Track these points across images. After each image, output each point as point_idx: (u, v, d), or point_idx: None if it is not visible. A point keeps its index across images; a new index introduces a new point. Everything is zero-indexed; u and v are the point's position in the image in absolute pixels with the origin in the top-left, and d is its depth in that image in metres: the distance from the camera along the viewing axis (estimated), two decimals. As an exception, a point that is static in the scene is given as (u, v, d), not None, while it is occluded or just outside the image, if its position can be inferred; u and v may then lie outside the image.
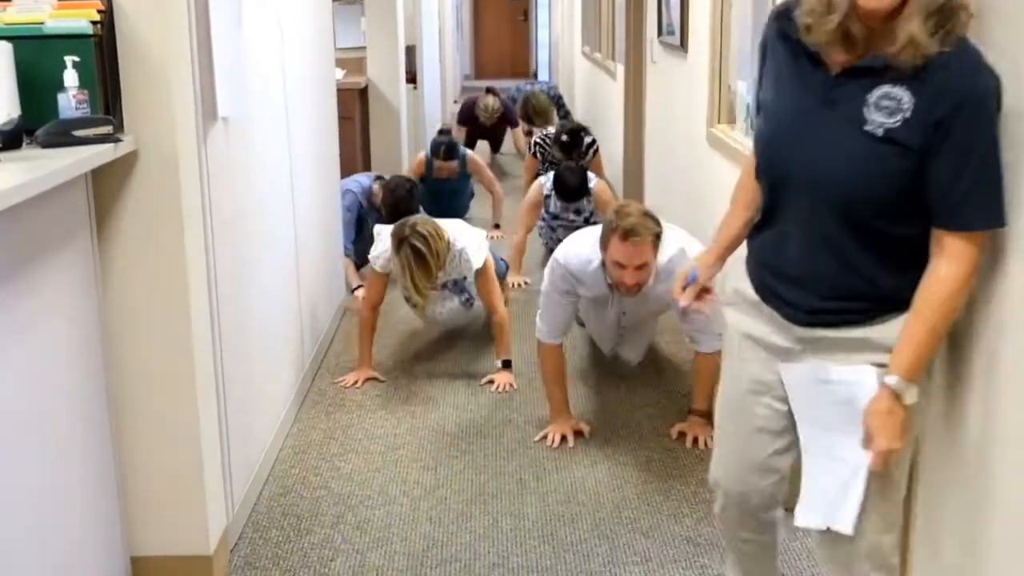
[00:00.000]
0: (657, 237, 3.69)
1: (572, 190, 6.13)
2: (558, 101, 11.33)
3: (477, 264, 4.53)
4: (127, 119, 2.70)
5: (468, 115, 9.93)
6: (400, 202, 6.01)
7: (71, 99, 2.54)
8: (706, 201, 4.69)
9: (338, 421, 4.19)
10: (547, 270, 4.02)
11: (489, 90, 9.92)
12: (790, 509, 2.31)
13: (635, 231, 3.62)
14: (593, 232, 3.92)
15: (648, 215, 3.69)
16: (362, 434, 4.06)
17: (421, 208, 6.15)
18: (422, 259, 4.34)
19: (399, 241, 4.37)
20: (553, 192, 6.19)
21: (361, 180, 6.23)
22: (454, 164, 7.19)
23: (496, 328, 4.62)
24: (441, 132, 7.46)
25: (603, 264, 3.80)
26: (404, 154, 8.53)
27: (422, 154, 7.39)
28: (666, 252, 3.79)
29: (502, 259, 5.82)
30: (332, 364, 4.84)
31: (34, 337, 2.38)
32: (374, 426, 4.14)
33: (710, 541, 3.25)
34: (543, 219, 6.47)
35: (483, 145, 10.34)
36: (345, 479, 3.68)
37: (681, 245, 3.84)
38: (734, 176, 4.06)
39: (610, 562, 3.14)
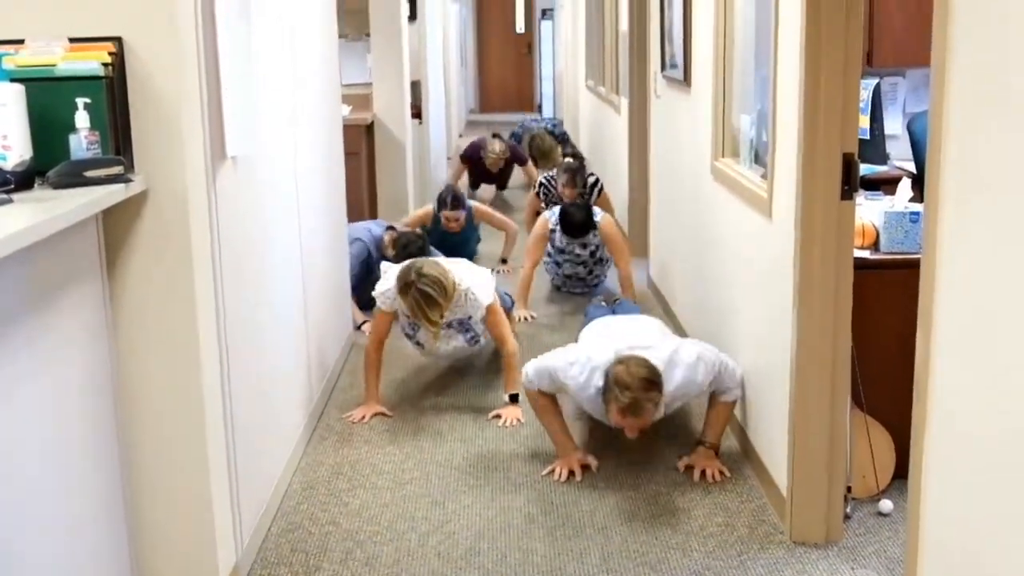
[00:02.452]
0: (657, 404, 3.65)
1: (577, 226, 6.17)
2: (563, 138, 11.37)
3: (485, 301, 4.57)
4: (137, 159, 2.74)
5: (473, 156, 9.90)
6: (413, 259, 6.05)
7: (82, 140, 2.57)
8: (711, 234, 4.72)
9: (346, 456, 4.20)
10: (553, 361, 3.98)
11: (495, 135, 9.89)
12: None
13: (634, 409, 3.60)
14: (591, 357, 3.86)
15: (648, 381, 3.61)
16: (370, 469, 4.07)
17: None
18: (430, 299, 4.37)
19: (405, 285, 4.40)
20: (559, 227, 6.22)
21: (372, 228, 6.24)
22: (461, 214, 7.22)
23: (505, 361, 4.64)
24: (447, 187, 7.51)
25: (602, 395, 3.75)
26: (410, 189, 8.57)
27: (429, 207, 7.44)
28: (673, 380, 3.79)
29: (507, 293, 5.83)
30: (339, 399, 4.85)
31: (46, 375, 2.40)
32: (382, 461, 4.15)
33: (718, 574, 3.25)
34: (548, 255, 6.50)
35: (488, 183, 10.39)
36: (353, 515, 3.69)
37: (687, 375, 3.82)
38: (738, 209, 4.11)
39: (619, 596, 3.14)
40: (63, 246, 2.49)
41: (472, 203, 7.50)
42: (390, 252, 6.11)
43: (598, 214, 6.24)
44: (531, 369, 4.04)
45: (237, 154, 3.24)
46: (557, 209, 6.32)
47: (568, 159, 8.00)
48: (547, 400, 4.06)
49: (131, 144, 2.73)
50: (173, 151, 2.74)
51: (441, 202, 7.19)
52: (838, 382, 3.39)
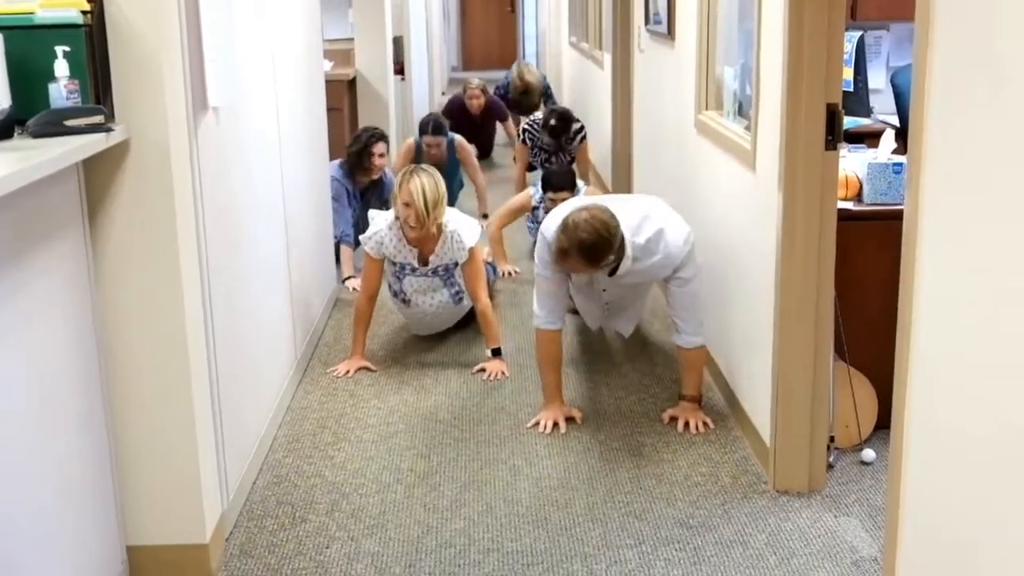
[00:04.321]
0: (593, 262, 3.73)
1: (559, 177, 6.14)
2: (547, 92, 11.28)
3: (470, 243, 4.60)
4: (118, 109, 2.71)
5: (453, 109, 9.85)
6: (364, 146, 6.03)
7: (62, 89, 2.55)
8: (695, 187, 4.72)
9: (331, 410, 4.20)
10: (536, 249, 4.08)
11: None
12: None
13: (562, 259, 3.75)
14: (572, 204, 3.98)
15: (587, 249, 3.67)
16: (355, 422, 4.08)
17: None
18: (433, 181, 4.48)
19: (410, 171, 4.53)
20: (543, 205, 6.10)
21: (339, 164, 6.23)
22: (442, 142, 7.18)
23: (480, 317, 4.65)
24: (429, 114, 7.49)
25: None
26: (393, 145, 8.53)
27: (410, 140, 7.40)
28: (643, 233, 3.84)
29: (489, 264, 5.81)
30: (324, 354, 4.85)
31: (28, 328, 2.39)
32: (367, 415, 4.16)
33: (703, 523, 3.27)
34: (532, 223, 6.43)
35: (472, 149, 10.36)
36: (339, 467, 3.70)
37: (660, 226, 3.87)
38: (722, 162, 4.11)
39: (604, 545, 3.16)
40: (44, 196, 2.47)
41: (456, 136, 7.46)
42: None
43: (582, 188, 6.16)
44: (535, 301, 4.07)
45: (219, 105, 3.21)
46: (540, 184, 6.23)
47: (553, 107, 7.93)
48: (554, 349, 4.06)
49: (111, 93, 2.70)
50: (154, 100, 2.71)
51: (422, 128, 7.21)
52: (821, 333, 3.40)
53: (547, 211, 6.22)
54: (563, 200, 5.66)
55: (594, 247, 3.68)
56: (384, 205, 6.10)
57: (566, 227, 3.71)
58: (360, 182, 6.16)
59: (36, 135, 2.47)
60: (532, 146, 7.74)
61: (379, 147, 6.10)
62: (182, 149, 2.85)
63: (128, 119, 2.71)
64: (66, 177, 2.59)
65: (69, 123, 2.49)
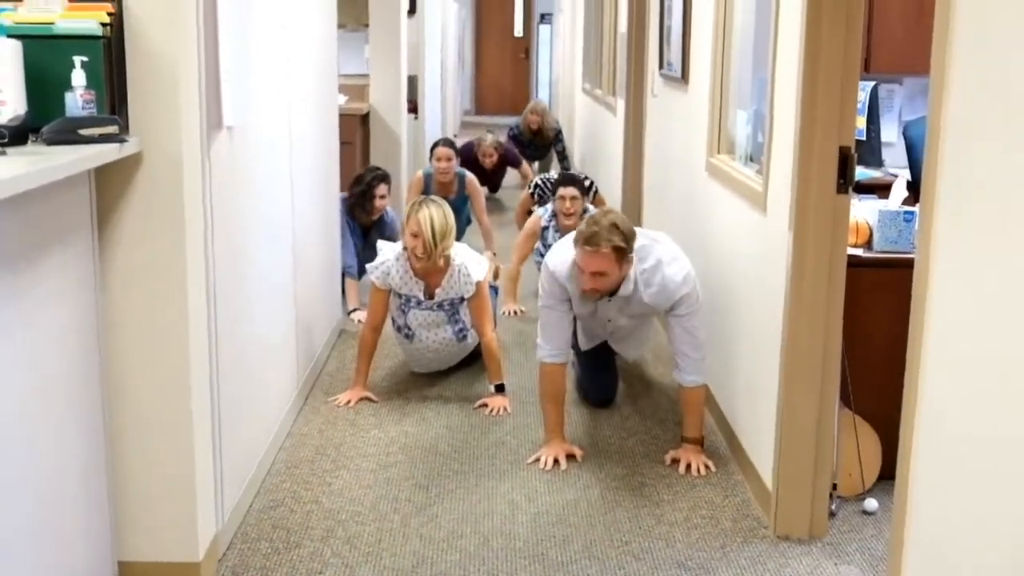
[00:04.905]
0: (619, 251, 3.76)
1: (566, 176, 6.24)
2: (558, 135, 11.33)
3: (478, 277, 4.59)
4: (133, 121, 2.72)
5: (466, 156, 9.87)
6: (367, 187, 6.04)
7: (78, 98, 2.56)
8: (705, 230, 4.71)
9: (331, 438, 4.18)
10: (540, 280, 4.11)
11: (489, 131, 9.90)
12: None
13: (593, 240, 3.73)
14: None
15: (617, 227, 3.76)
16: (354, 451, 4.05)
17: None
18: (442, 212, 4.49)
19: (419, 202, 4.54)
20: (552, 224, 6.19)
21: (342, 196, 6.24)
22: (452, 153, 7.23)
23: (484, 351, 4.64)
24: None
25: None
26: (404, 181, 8.56)
27: (419, 173, 7.43)
28: (645, 262, 3.92)
29: (493, 287, 5.81)
30: (326, 383, 4.83)
31: (30, 335, 2.37)
32: (366, 444, 4.13)
33: (701, 565, 3.23)
34: (540, 253, 6.47)
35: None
36: (336, 495, 3.66)
37: (660, 258, 3.93)
38: (733, 205, 4.11)
39: (600, 583, 3.13)
40: (55, 201, 2.47)
41: (467, 172, 7.49)
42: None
43: (590, 210, 6.21)
44: (541, 337, 4.07)
45: (233, 125, 3.22)
46: (550, 207, 6.29)
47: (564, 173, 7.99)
48: (557, 384, 4.05)
49: (127, 105, 2.71)
50: (169, 115, 2.72)
51: (433, 145, 7.26)
52: (827, 379, 3.38)
53: (555, 216, 6.26)
54: (571, 197, 5.79)
55: (622, 234, 3.75)
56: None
57: (595, 215, 3.84)
58: (361, 221, 6.16)
59: (50, 142, 2.48)
60: (539, 202, 7.76)
61: (381, 189, 6.10)
62: (194, 165, 2.85)
63: (142, 132, 2.72)
64: (77, 185, 2.60)
65: (83, 132, 2.50)
